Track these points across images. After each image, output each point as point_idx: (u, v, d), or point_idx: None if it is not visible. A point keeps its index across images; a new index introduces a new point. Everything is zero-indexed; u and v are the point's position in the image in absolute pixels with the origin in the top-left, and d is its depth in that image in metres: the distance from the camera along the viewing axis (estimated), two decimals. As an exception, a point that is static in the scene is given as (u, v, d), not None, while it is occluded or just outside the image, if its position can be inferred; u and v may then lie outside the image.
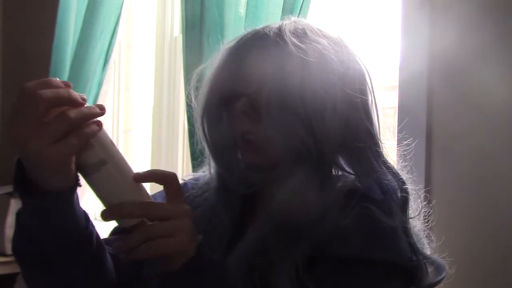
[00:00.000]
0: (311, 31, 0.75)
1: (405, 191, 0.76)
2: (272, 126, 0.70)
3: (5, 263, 2.01)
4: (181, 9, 1.51)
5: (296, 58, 0.70)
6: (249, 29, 0.79)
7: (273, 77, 0.71)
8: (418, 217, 0.77)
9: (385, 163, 0.77)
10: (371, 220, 0.70)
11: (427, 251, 0.76)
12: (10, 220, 2.03)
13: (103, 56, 1.86)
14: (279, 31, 0.74)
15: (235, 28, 1.35)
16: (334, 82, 0.72)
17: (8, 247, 2.03)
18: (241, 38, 0.77)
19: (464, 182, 1.14)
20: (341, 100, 0.71)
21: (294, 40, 0.72)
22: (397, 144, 1.25)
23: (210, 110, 0.78)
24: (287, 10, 1.28)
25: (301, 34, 0.74)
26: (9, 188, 2.09)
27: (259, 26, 0.78)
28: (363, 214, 0.70)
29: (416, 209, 0.78)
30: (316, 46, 0.72)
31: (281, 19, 1.28)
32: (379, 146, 0.77)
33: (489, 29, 1.09)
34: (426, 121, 1.19)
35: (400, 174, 0.77)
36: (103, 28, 1.82)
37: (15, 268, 2.00)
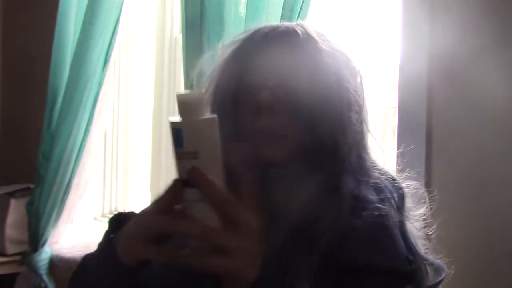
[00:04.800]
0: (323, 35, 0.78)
1: (401, 195, 0.76)
2: (294, 121, 0.71)
3: (5, 263, 2.01)
4: (181, 9, 1.51)
5: (323, 56, 0.73)
6: (252, 29, 0.79)
7: (299, 73, 0.72)
8: (415, 219, 0.77)
9: (381, 167, 0.77)
10: (370, 227, 0.69)
11: (426, 253, 0.76)
12: (10, 220, 2.03)
13: (103, 56, 1.86)
14: (303, 28, 0.76)
15: (235, 28, 1.34)
16: (344, 89, 0.73)
17: (8, 247, 2.02)
18: (253, 34, 0.77)
19: (464, 182, 1.14)
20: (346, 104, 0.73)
21: (318, 38, 0.75)
22: (397, 144, 1.26)
23: (222, 108, 0.75)
24: (287, 10, 1.28)
25: (320, 34, 0.77)
26: (9, 188, 2.09)
27: (266, 25, 0.79)
28: (362, 222, 0.69)
29: (413, 211, 0.77)
30: (332, 51, 0.75)
31: (280, 19, 1.28)
32: (372, 151, 0.77)
33: (489, 29, 1.09)
34: (426, 121, 1.19)
35: (396, 177, 0.77)
36: (103, 28, 1.82)
37: (15, 268, 2.00)
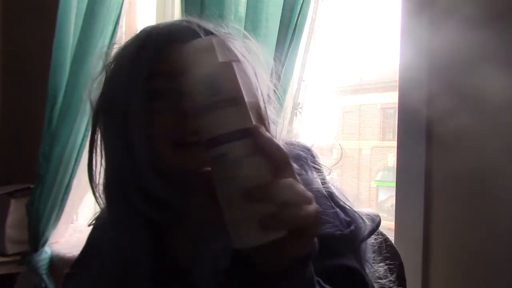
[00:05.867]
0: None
1: (313, 155, 0.75)
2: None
3: (5, 263, 2.01)
4: (181, 9, 1.51)
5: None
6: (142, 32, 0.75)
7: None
8: (330, 174, 0.76)
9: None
10: None
11: (353, 206, 0.74)
12: (10, 220, 2.03)
13: (103, 56, 1.86)
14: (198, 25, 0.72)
15: (235, 28, 1.34)
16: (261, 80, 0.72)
17: (8, 247, 2.02)
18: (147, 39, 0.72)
19: (464, 182, 1.14)
20: None
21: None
22: (397, 144, 1.26)
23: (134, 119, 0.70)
24: (287, 10, 1.28)
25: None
26: (9, 188, 2.09)
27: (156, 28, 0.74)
28: None
29: (326, 168, 0.76)
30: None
31: (281, 19, 1.29)
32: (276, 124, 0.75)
33: (489, 29, 1.09)
34: (426, 121, 1.19)
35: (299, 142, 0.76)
36: (103, 28, 1.82)
37: (15, 268, 2.00)
